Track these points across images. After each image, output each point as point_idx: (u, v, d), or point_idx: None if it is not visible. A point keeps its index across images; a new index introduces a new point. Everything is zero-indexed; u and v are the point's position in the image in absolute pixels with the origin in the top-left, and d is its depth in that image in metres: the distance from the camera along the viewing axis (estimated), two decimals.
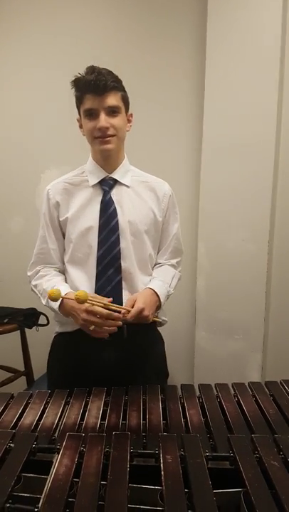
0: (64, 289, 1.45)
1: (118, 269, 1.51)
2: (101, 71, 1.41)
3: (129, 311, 1.38)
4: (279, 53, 2.26)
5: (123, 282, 1.52)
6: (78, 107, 1.50)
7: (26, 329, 2.70)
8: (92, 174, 1.56)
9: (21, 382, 2.73)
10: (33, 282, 1.60)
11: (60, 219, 1.55)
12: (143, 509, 0.83)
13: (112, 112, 1.44)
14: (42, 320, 2.72)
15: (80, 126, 1.53)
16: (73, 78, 1.46)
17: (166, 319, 1.66)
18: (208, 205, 2.48)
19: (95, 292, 1.47)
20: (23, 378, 2.76)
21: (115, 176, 1.56)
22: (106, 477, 0.88)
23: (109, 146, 1.48)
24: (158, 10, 2.57)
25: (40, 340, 2.73)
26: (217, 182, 2.44)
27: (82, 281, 1.52)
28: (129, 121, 1.55)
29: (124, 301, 1.49)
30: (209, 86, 2.40)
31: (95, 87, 1.39)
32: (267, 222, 2.40)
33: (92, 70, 1.42)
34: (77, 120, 1.54)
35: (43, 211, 1.58)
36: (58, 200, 1.55)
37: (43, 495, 0.84)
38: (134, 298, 1.44)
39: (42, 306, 2.69)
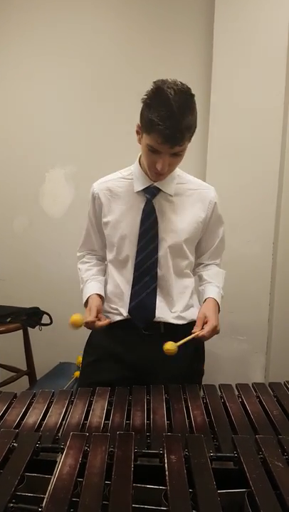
0: (93, 287, 1.60)
1: (154, 277, 1.53)
2: (180, 121, 1.28)
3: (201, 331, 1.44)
4: (286, 53, 2.25)
5: (158, 289, 1.54)
6: (143, 126, 1.38)
7: (29, 328, 2.70)
8: (138, 180, 1.55)
9: (24, 382, 2.73)
10: (78, 265, 1.75)
11: (103, 219, 1.58)
12: (147, 509, 0.83)
13: (177, 154, 1.40)
14: (45, 319, 2.72)
15: (138, 133, 1.45)
16: (146, 94, 1.35)
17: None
18: None
19: (131, 296, 1.54)
20: (26, 378, 2.77)
21: (160, 184, 1.53)
22: (110, 477, 0.88)
23: (162, 178, 1.51)
24: (165, 11, 2.57)
25: (43, 339, 2.74)
26: (222, 183, 2.43)
27: (121, 282, 1.58)
28: (190, 141, 1.44)
29: (158, 306, 1.53)
30: (215, 87, 2.40)
31: (168, 139, 1.31)
32: (272, 223, 2.39)
33: (170, 113, 1.27)
34: (137, 126, 1.43)
35: (88, 209, 1.64)
36: (101, 201, 1.58)
37: (47, 494, 0.84)
38: (204, 315, 1.48)
39: (45, 306, 2.71)
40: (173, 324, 1.55)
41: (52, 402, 1.29)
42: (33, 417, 1.20)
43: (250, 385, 1.41)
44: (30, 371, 2.77)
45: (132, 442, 1.01)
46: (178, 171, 1.59)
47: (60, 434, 1.12)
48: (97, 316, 1.48)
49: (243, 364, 2.51)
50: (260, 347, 2.50)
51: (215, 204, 1.61)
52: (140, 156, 1.54)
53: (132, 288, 1.54)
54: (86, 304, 1.57)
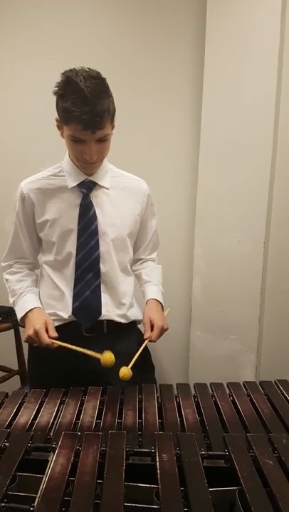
0: (31, 300, 1.53)
1: (97, 273, 1.50)
2: (95, 104, 1.26)
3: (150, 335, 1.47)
4: (278, 52, 2.26)
5: (102, 286, 1.51)
6: (60, 118, 1.37)
7: (21, 328, 2.69)
8: (70, 176, 1.51)
9: (15, 381, 2.73)
10: (5, 276, 1.64)
11: (37, 221, 1.53)
12: (139, 508, 0.83)
13: (102, 140, 1.36)
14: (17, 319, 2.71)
15: (59, 128, 1.42)
16: (57, 85, 1.34)
17: (168, 309, 1.67)
18: (205, 206, 2.48)
19: (73, 296, 1.50)
20: (17, 377, 2.76)
21: (94, 178, 1.51)
22: (102, 476, 0.89)
23: (93, 170, 1.49)
24: (156, 9, 2.56)
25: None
26: (214, 183, 2.44)
27: (61, 283, 1.53)
28: (113, 127, 1.43)
29: (103, 304, 1.50)
30: (207, 86, 2.40)
31: (88, 125, 1.28)
32: (263, 223, 2.41)
33: (83, 98, 1.25)
34: (56, 120, 1.41)
35: (17, 210, 1.56)
36: (33, 201, 1.52)
37: (39, 494, 0.84)
38: (149, 318, 1.50)
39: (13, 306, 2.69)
40: (116, 323, 1.54)
41: (44, 401, 1.29)
42: (24, 417, 1.20)
43: (241, 384, 1.41)
44: (22, 371, 2.76)
45: (124, 441, 1.01)
46: (109, 164, 1.58)
47: (51, 434, 1.12)
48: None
49: (233, 363, 2.52)
50: (250, 346, 2.51)
51: (148, 196, 1.62)
52: (69, 153, 1.51)
53: (75, 287, 1.50)
54: (24, 317, 1.51)
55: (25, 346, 2.74)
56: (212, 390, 1.37)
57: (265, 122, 2.32)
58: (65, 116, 1.30)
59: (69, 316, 1.50)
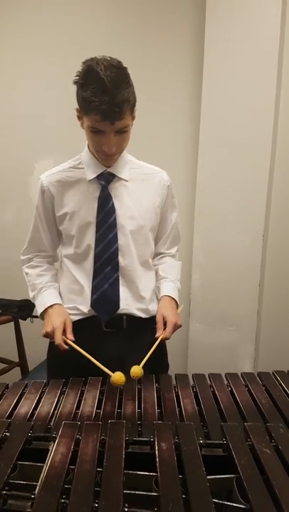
0: (51, 296, 1.52)
1: (116, 267, 1.48)
2: (115, 94, 1.23)
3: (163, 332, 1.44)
4: (278, 46, 2.26)
5: (121, 279, 1.50)
6: (80, 108, 1.34)
7: (21, 321, 2.71)
8: (89, 167, 1.49)
9: (16, 373, 2.74)
10: (25, 269, 1.63)
11: (57, 214, 1.52)
12: (138, 495, 0.84)
13: (121, 132, 1.34)
14: (36, 312, 2.72)
15: (79, 118, 1.39)
16: (78, 74, 1.30)
17: (182, 305, 1.64)
18: (204, 199, 2.49)
19: (92, 289, 1.48)
20: (18, 369, 2.78)
21: (113, 170, 1.49)
22: (102, 464, 0.90)
23: (112, 162, 1.47)
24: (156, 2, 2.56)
25: (35, 331, 2.72)
26: (213, 175, 2.45)
27: (80, 277, 1.51)
28: (134, 117, 1.40)
29: (122, 297, 1.49)
30: (207, 79, 2.40)
31: (107, 115, 1.26)
32: (262, 215, 2.41)
33: (103, 88, 1.23)
34: (76, 110, 1.38)
35: (36, 203, 1.55)
36: (52, 194, 1.51)
37: (40, 482, 0.86)
38: (162, 315, 1.47)
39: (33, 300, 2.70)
40: (136, 318, 1.52)
41: (44, 392, 1.30)
42: (25, 407, 1.21)
43: (240, 375, 1.42)
44: (22, 362, 2.78)
45: (124, 430, 1.02)
46: (129, 156, 1.56)
47: (52, 424, 1.13)
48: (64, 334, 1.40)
49: (232, 354, 2.54)
50: (249, 337, 2.53)
51: (168, 187, 1.59)
52: (88, 145, 1.49)
53: (93, 280, 1.49)
54: (44, 313, 1.50)
55: (25, 338, 2.78)
56: (210, 381, 1.38)
57: (265, 115, 2.33)
58: (85, 107, 1.28)
59: (88, 310, 1.49)
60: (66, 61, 2.68)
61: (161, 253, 1.69)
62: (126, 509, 0.78)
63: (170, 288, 1.60)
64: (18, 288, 2.76)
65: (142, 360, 1.31)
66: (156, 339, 1.41)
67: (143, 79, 2.57)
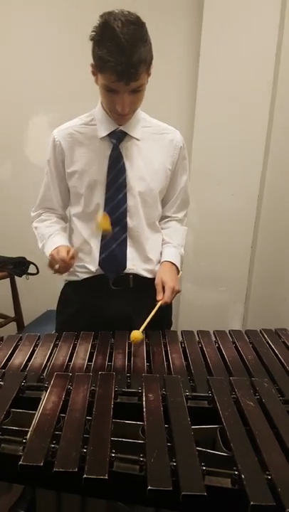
0: (60, 239, 1.49)
1: (124, 227, 1.48)
2: (132, 53, 1.18)
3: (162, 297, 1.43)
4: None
5: (129, 240, 1.50)
6: (96, 65, 1.28)
7: (17, 278, 2.74)
8: (102, 124, 1.46)
9: (12, 328, 2.79)
10: (34, 224, 1.62)
11: (67, 170, 1.50)
12: (125, 442, 0.88)
13: (136, 91, 1.30)
14: (32, 269, 2.75)
15: (94, 74, 1.33)
16: (94, 30, 1.23)
17: (180, 272, 1.63)
18: (200, 159, 2.47)
19: (100, 249, 1.49)
20: (14, 324, 2.83)
21: (126, 128, 1.45)
22: (91, 413, 0.94)
23: (125, 121, 1.43)
24: None
25: (31, 288, 2.78)
26: (210, 135, 2.42)
27: (89, 237, 1.52)
28: (149, 75, 1.35)
29: (129, 258, 1.50)
30: (207, 27, 2.33)
31: (122, 76, 1.22)
32: (258, 177, 2.41)
33: (119, 47, 1.18)
34: (91, 66, 1.32)
35: (48, 158, 1.53)
36: (64, 149, 1.48)
37: (31, 428, 0.90)
38: (160, 279, 1.46)
39: (31, 256, 2.72)
40: (142, 278, 1.54)
41: (37, 345, 1.34)
42: (19, 358, 1.25)
43: (227, 332, 1.45)
44: (18, 317, 2.82)
45: (113, 382, 1.06)
46: (142, 113, 1.52)
47: (44, 374, 1.16)
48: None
49: (221, 313, 2.59)
50: (239, 297, 2.57)
51: (180, 149, 1.55)
52: (101, 101, 1.44)
53: (102, 240, 1.49)
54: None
55: (21, 295, 2.81)
56: (199, 337, 1.41)
57: (264, 73, 2.29)
58: (100, 65, 1.24)
59: (96, 269, 1.51)
60: (62, 14, 2.61)
61: (168, 217, 1.66)
62: (113, 455, 0.82)
63: (172, 253, 1.59)
64: (14, 246, 2.79)
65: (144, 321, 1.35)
66: (156, 303, 1.42)
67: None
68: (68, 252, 1.37)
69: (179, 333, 1.44)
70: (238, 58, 2.30)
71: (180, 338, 1.40)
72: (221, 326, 1.50)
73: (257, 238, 2.52)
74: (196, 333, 1.44)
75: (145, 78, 1.30)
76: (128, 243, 1.50)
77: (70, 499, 0.97)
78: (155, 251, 1.58)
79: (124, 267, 1.50)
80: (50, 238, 1.53)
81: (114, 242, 1.48)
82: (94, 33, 1.24)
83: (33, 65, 2.72)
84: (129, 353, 1.29)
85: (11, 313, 2.82)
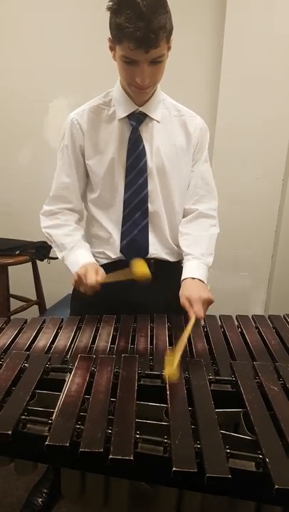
0: (84, 254, 1.43)
1: (145, 213, 1.44)
2: (151, 19, 1.13)
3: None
4: None
5: (150, 225, 1.47)
6: (113, 36, 1.23)
7: (38, 262, 2.76)
8: (120, 105, 1.40)
9: (34, 311, 2.83)
10: (48, 230, 1.52)
11: (86, 153, 1.44)
12: (149, 424, 0.89)
13: (156, 62, 1.24)
14: (53, 253, 2.76)
15: (111, 49, 1.29)
16: (112, 1, 1.19)
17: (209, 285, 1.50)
18: (224, 142, 2.44)
19: (121, 235, 1.45)
20: (36, 307, 2.86)
21: (145, 109, 1.39)
22: (115, 395, 0.95)
23: (145, 96, 1.36)
24: None
25: (52, 272, 2.79)
26: (234, 117, 2.38)
27: (108, 224, 1.48)
28: (170, 48, 1.29)
29: (151, 243, 1.47)
30: (230, 15, 2.28)
31: (142, 42, 1.16)
32: (283, 160, 2.37)
33: (139, 13, 1.13)
34: (109, 40, 1.27)
35: (65, 142, 1.46)
36: (83, 131, 1.42)
37: (56, 409, 0.91)
38: (185, 299, 1.32)
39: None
40: (164, 262, 1.51)
41: (61, 327, 1.35)
42: (43, 341, 1.26)
43: (250, 317, 1.45)
44: (40, 301, 2.85)
45: (136, 364, 1.07)
46: (162, 94, 1.46)
47: (68, 357, 1.18)
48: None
49: (243, 299, 2.57)
50: (261, 283, 2.55)
51: (200, 131, 1.48)
52: (120, 80, 1.39)
53: (122, 227, 1.45)
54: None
55: (43, 279, 2.83)
56: (221, 322, 1.41)
57: None
58: (118, 34, 1.19)
59: (116, 256, 1.48)
60: None
61: (186, 209, 1.55)
62: (137, 436, 0.83)
63: (192, 268, 1.44)
64: (35, 230, 2.80)
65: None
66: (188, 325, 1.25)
67: None
68: (97, 273, 1.32)
69: None
70: (264, 37, 2.24)
71: (202, 323, 1.40)
72: (243, 312, 1.49)
73: (281, 223, 2.48)
74: (218, 318, 1.43)
75: (165, 48, 1.24)
76: (149, 228, 1.48)
77: (94, 478, 0.99)
78: (175, 235, 1.53)
79: (147, 252, 1.47)
80: (72, 251, 1.45)
81: (136, 228, 1.45)
82: (111, 3, 1.19)
83: (52, 48, 2.70)
84: (152, 336, 1.30)
85: (33, 297, 2.85)
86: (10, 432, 0.84)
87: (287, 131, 2.32)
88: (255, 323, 1.41)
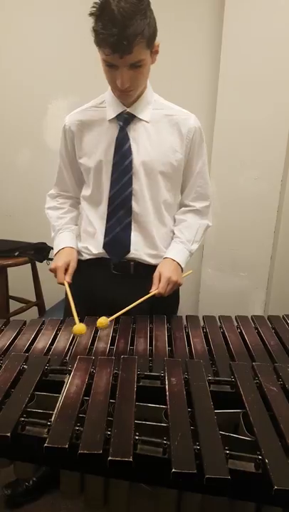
0: (66, 238, 1.58)
1: (129, 211, 1.47)
2: (126, 26, 1.17)
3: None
4: None
5: (133, 224, 1.49)
6: (94, 41, 1.26)
7: (37, 263, 2.76)
8: (110, 106, 1.45)
9: (33, 312, 2.83)
10: (48, 211, 1.68)
11: (78, 153, 1.52)
12: (149, 425, 0.89)
13: (136, 66, 1.27)
14: (52, 254, 2.76)
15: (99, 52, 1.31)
16: (94, 5, 1.22)
17: (190, 271, 1.60)
18: (222, 142, 2.44)
19: (105, 232, 1.50)
20: (35, 308, 2.86)
21: (133, 110, 1.43)
22: (115, 396, 0.95)
23: (128, 98, 1.40)
24: None
25: (51, 273, 2.79)
26: (232, 117, 2.38)
27: (95, 220, 1.53)
28: (155, 52, 1.34)
29: (132, 242, 1.49)
30: (229, 14, 2.28)
31: (115, 48, 1.20)
32: (282, 160, 2.36)
33: (113, 20, 1.16)
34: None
35: (61, 145, 1.57)
36: (73, 133, 1.49)
37: (55, 411, 0.91)
38: (158, 273, 1.45)
39: (52, 241, 2.74)
40: (144, 265, 1.52)
41: (60, 329, 1.35)
42: (42, 343, 1.26)
43: (250, 318, 1.45)
44: (39, 302, 2.85)
45: (135, 365, 1.07)
46: (155, 95, 1.49)
47: (67, 358, 1.18)
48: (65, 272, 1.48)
49: (243, 299, 2.57)
50: (261, 283, 2.55)
51: (194, 132, 1.48)
52: None
53: (107, 223, 1.50)
54: (57, 253, 1.56)
55: (42, 280, 2.83)
56: (220, 322, 1.41)
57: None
58: (96, 39, 1.24)
59: (98, 252, 1.52)
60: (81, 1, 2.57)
61: (186, 205, 1.61)
62: (137, 437, 0.83)
63: (176, 250, 1.53)
64: (34, 231, 2.81)
65: (138, 305, 1.36)
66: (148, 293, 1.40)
67: (160, 11, 2.46)
68: (67, 270, 1.48)
69: (201, 319, 1.44)
70: (263, 37, 2.24)
71: (202, 323, 1.40)
72: (242, 312, 1.49)
73: (280, 223, 2.48)
74: (217, 319, 1.43)
75: (144, 54, 1.26)
76: (133, 227, 1.49)
77: (94, 479, 0.99)
78: (161, 237, 1.55)
79: (128, 250, 1.50)
80: (58, 234, 1.61)
81: (119, 226, 1.49)
82: (94, 9, 1.23)
83: (51, 49, 2.70)
84: (151, 337, 1.30)
85: (33, 298, 2.85)
86: (9, 434, 0.84)
87: (286, 132, 2.32)
88: (254, 323, 1.41)
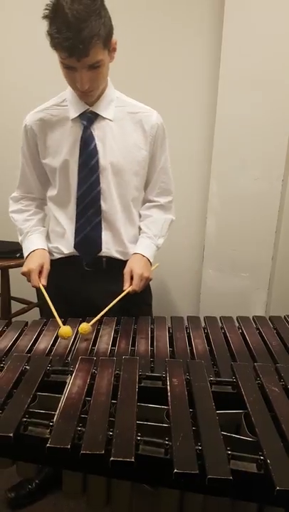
0: (36, 240, 1.55)
1: (98, 210, 1.48)
2: (80, 29, 1.15)
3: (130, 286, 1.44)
4: None
5: (103, 223, 1.50)
6: (50, 44, 1.25)
7: None
8: (72, 105, 1.44)
9: (35, 313, 2.82)
10: (13, 215, 1.65)
11: (40, 154, 1.50)
12: (150, 425, 0.89)
13: (94, 67, 1.26)
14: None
15: None
16: (46, 8, 1.22)
17: (157, 264, 1.61)
18: (223, 142, 2.43)
19: (75, 232, 1.51)
20: (36, 310, 2.85)
21: (96, 109, 1.43)
22: (116, 397, 0.95)
23: (90, 98, 1.40)
24: None
25: None
26: (233, 117, 2.37)
27: (63, 220, 1.53)
28: (113, 50, 1.33)
29: (103, 241, 1.51)
30: (229, 11, 2.28)
31: (71, 52, 1.19)
32: (282, 160, 2.36)
33: (67, 23, 1.16)
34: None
35: (22, 144, 1.53)
36: (35, 133, 1.47)
37: (57, 411, 0.91)
38: (129, 268, 1.47)
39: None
40: (116, 260, 1.55)
41: None
42: (43, 343, 1.27)
43: (251, 318, 1.45)
44: (41, 303, 2.84)
45: (137, 366, 1.07)
46: (116, 92, 1.49)
47: (69, 359, 1.18)
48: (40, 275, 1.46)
49: (244, 300, 2.57)
50: (262, 283, 2.54)
51: (158, 128, 1.50)
52: None
53: (76, 223, 1.50)
54: (28, 256, 1.53)
55: None
56: (222, 323, 1.41)
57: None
58: (52, 43, 1.22)
59: (69, 252, 1.53)
60: None
61: (150, 200, 1.63)
62: (138, 438, 0.83)
63: (144, 245, 1.56)
64: None
65: (115, 304, 1.37)
66: (122, 292, 1.42)
67: (159, 11, 2.45)
68: (41, 273, 1.45)
69: (202, 319, 1.44)
70: (264, 36, 2.23)
71: (203, 324, 1.40)
72: (244, 313, 1.49)
73: (281, 223, 2.47)
74: (218, 319, 1.43)
75: (101, 54, 1.25)
76: (103, 226, 1.51)
77: (96, 479, 0.99)
78: (129, 234, 1.57)
79: (100, 249, 1.52)
80: (27, 237, 1.57)
81: (89, 226, 1.49)
82: (47, 11, 1.21)
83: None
84: (152, 338, 1.30)
85: (34, 299, 2.84)
86: (11, 435, 0.84)
87: (287, 131, 2.31)
88: (255, 324, 1.41)
